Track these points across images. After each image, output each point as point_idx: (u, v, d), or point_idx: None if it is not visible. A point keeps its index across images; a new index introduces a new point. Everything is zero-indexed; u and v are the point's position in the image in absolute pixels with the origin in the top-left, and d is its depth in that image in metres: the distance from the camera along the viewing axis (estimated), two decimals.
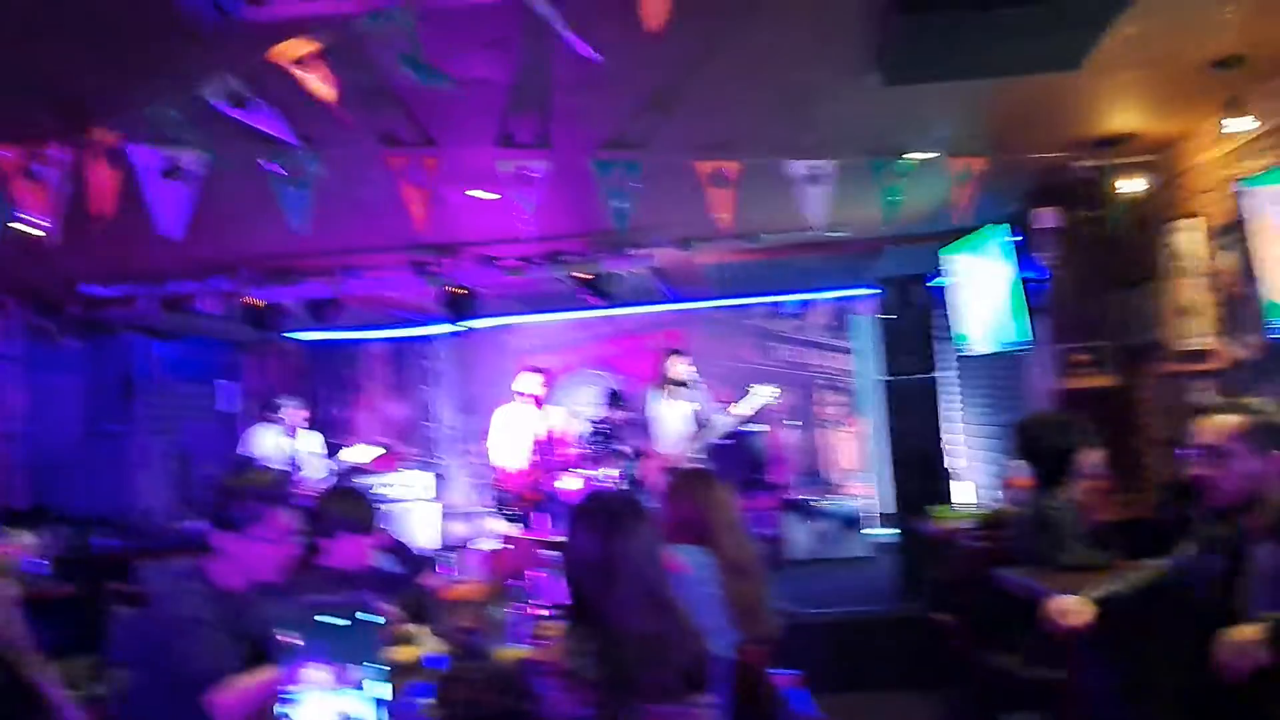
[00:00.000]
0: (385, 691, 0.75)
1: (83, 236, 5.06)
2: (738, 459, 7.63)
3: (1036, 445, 3.82)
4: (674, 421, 7.30)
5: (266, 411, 7.92)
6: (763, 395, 7.45)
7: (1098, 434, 3.96)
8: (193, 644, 2.36)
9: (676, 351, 7.60)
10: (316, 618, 0.77)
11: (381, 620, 0.73)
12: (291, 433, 7.74)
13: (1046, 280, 6.16)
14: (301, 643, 0.79)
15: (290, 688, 0.74)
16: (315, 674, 0.79)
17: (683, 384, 7.33)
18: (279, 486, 2.70)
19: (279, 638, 0.72)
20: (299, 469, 7.55)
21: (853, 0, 3.22)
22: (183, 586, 2.58)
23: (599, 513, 2.22)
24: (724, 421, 7.33)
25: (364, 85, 3.45)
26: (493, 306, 8.60)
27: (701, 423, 7.32)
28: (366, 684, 0.78)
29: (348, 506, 3.26)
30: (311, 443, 7.95)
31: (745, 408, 7.46)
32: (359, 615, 0.79)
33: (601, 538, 2.15)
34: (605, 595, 2.09)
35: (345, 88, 3.23)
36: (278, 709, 0.71)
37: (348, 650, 0.80)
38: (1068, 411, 4.03)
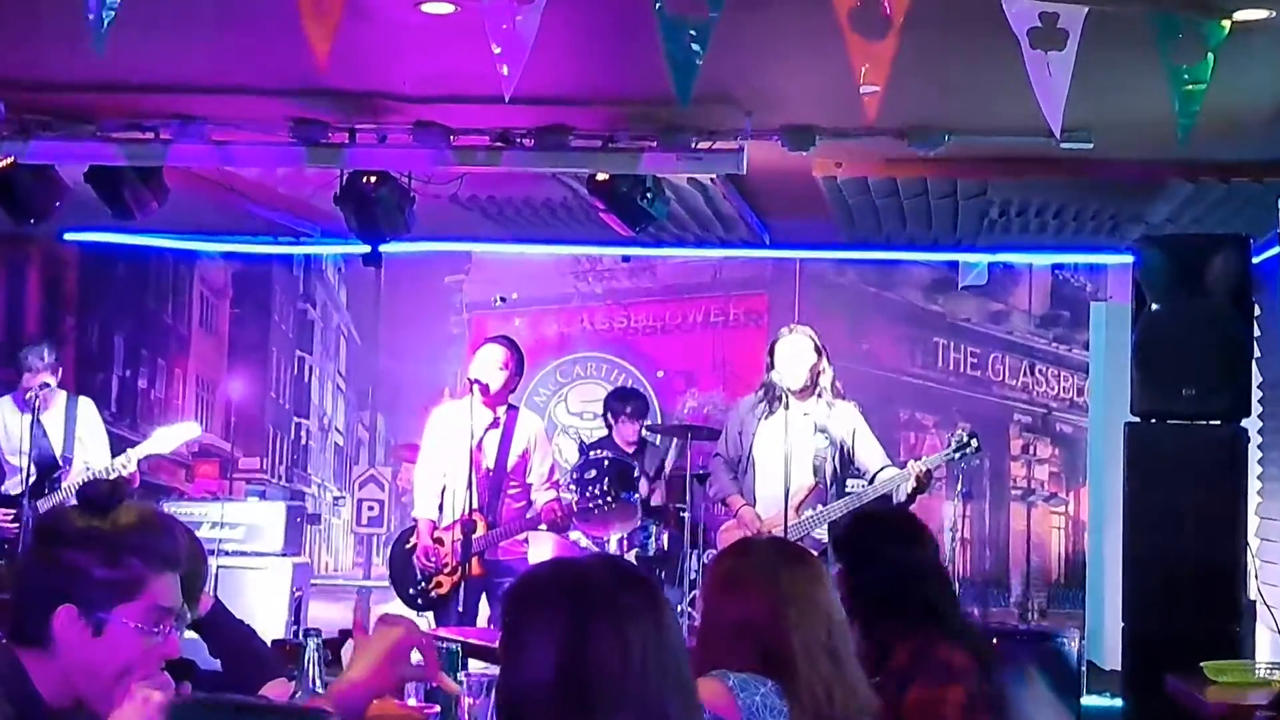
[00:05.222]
0: None
1: None
2: None
3: None
4: (783, 460, 5.50)
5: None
6: (963, 446, 5.66)
7: None
8: None
9: (789, 330, 5.78)
10: None
11: None
12: (40, 404, 6.29)
13: None
14: None
15: None
16: None
17: (808, 392, 5.58)
18: None
19: None
20: (60, 461, 6.41)
21: None
22: None
23: (567, 596, 1.60)
24: (887, 479, 5.56)
25: None
26: (434, 219, 6.71)
27: (846, 470, 5.69)
28: None
29: (145, 534, 2.41)
30: (87, 417, 6.53)
31: (935, 461, 5.86)
32: None
33: (568, 641, 1.54)
34: None
35: None
36: None
37: None
38: None
